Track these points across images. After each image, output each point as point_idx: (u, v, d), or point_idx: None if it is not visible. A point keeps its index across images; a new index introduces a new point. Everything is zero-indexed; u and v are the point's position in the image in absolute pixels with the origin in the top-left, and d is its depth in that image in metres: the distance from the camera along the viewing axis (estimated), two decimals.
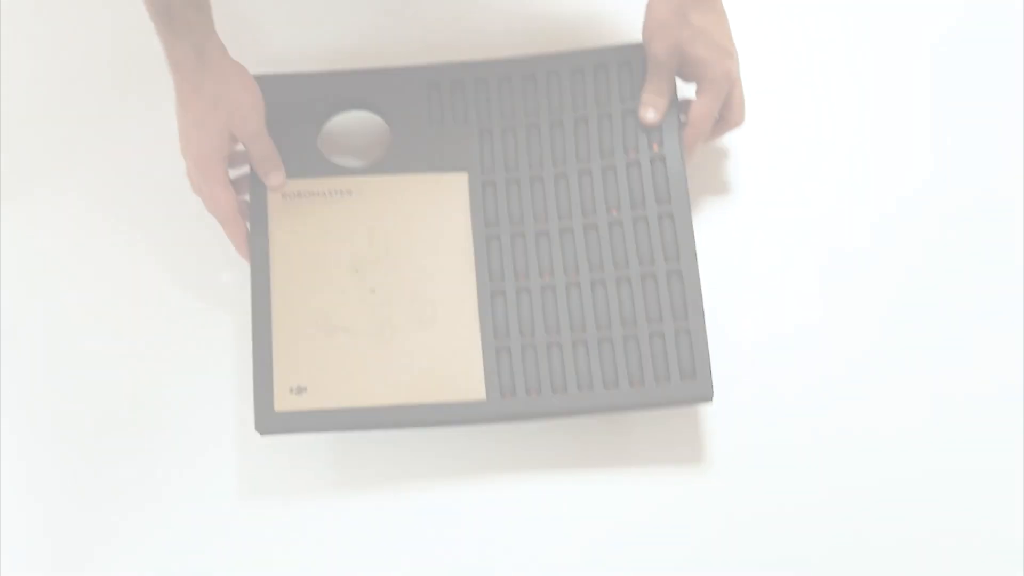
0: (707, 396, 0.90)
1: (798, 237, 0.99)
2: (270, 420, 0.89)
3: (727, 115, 0.96)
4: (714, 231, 0.98)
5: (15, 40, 1.04)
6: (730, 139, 1.00)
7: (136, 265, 0.99)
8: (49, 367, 0.96)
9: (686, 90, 0.96)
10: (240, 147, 0.94)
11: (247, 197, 0.95)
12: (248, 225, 0.93)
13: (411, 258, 0.92)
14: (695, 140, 0.95)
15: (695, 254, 0.92)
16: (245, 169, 0.96)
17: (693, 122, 0.95)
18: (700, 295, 0.91)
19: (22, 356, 0.97)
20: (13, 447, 0.94)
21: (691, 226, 0.92)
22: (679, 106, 0.96)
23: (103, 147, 1.01)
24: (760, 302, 0.97)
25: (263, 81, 0.95)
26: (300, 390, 0.90)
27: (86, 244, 1.00)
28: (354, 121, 0.99)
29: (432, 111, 0.96)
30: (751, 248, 0.99)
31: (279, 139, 0.95)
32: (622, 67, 0.97)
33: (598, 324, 0.91)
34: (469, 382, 0.90)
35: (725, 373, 0.93)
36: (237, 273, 0.97)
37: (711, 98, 0.94)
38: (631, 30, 0.98)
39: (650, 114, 0.95)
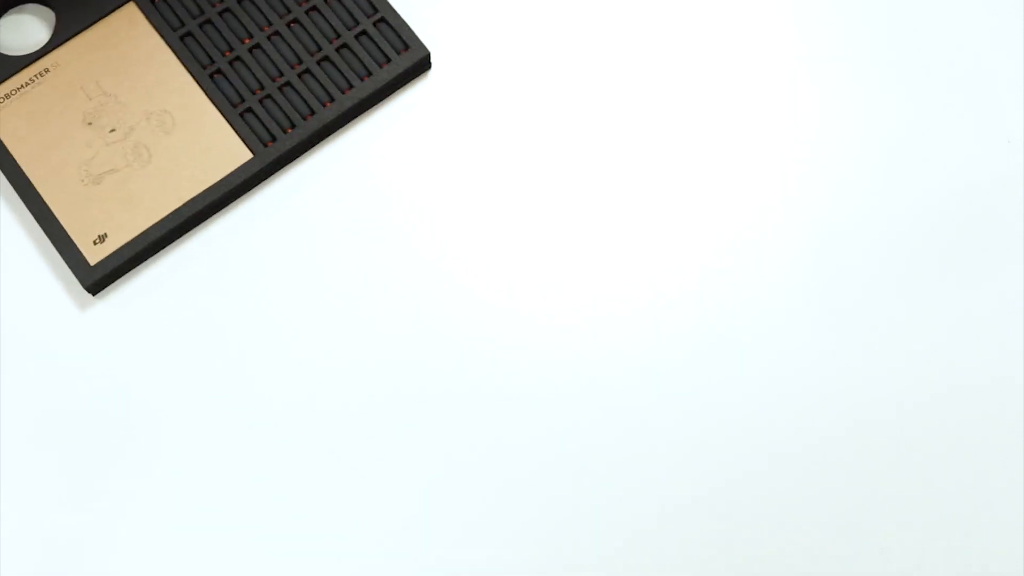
0: (425, 58, 1.00)
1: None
2: (92, 275, 0.95)
3: None
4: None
5: None
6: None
7: None
8: None
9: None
10: None
11: None
12: None
13: (128, 88, 1.00)
14: None
15: None
16: None
17: None
18: None
19: None
20: None
21: None
22: None
23: None
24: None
25: None
26: (102, 238, 0.96)
27: None
28: (23, 19, 1.04)
29: None
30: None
31: None
32: None
33: (310, 51, 1.00)
34: (233, 150, 0.98)
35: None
36: None
37: None
38: None
39: None
